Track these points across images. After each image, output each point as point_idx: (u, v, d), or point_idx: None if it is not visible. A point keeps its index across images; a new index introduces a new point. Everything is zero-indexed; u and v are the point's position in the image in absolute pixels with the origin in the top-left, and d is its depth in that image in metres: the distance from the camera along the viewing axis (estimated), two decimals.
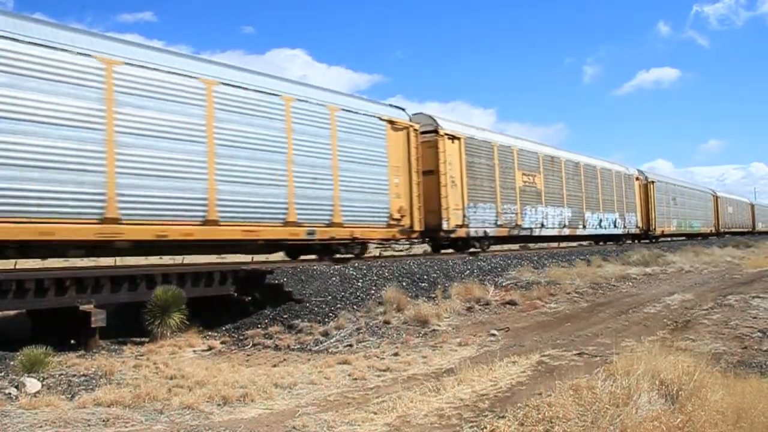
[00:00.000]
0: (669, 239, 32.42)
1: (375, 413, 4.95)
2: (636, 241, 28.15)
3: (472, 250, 16.66)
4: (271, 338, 8.70)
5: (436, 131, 15.75)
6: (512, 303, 11.35)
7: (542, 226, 20.08)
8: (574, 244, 24.93)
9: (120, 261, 12.31)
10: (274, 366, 7.27)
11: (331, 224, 12.50)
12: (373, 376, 6.49)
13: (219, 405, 5.42)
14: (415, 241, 15.53)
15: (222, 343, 8.85)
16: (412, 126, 14.90)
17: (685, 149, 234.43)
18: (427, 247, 17.77)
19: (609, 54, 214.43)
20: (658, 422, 4.09)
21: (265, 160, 11.27)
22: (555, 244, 23.54)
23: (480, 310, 10.78)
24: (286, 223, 11.60)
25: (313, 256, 13.16)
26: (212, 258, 15.88)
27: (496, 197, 17.81)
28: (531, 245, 22.41)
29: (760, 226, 54.20)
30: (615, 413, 4.32)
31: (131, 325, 9.08)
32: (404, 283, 11.67)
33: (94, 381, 6.38)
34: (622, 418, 4.21)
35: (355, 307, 9.98)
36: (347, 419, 4.81)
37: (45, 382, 6.19)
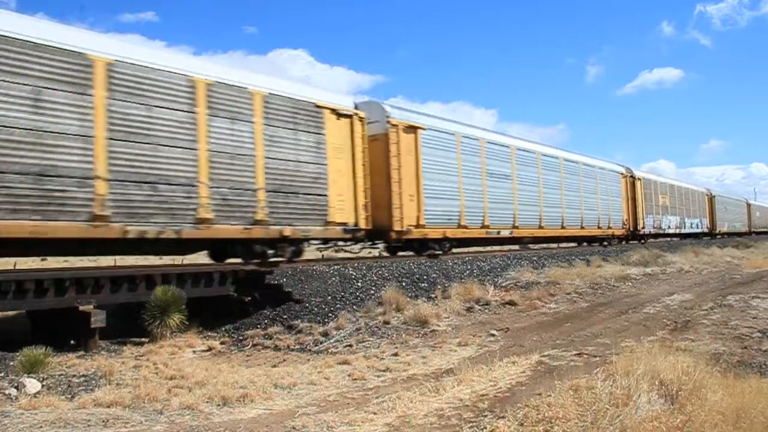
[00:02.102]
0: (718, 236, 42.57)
1: (375, 413, 4.95)
2: (704, 237, 38.92)
3: (642, 240, 29.20)
4: (270, 338, 8.70)
5: (633, 176, 28.63)
6: (512, 303, 11.34)
7: (668, 227, 32.85)
8: (678, 239, 35.42)
9: (120, 261, 12.31)
10: (274, 366, 7.27)
11: (608, 227, 25.44)
12: (373, 377, 6.49)
13: (219, 405, 5.42)
14: (628, 235, 28.10)
15: (222, 343, 8.85)
16: (628, 176, 28.17)
17: (687, 149, 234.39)
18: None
19: (612, 54, 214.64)
20: (658, 422, 4.09)
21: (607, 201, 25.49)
22: (676, 239, 34.81)
23: (480, 310, 10.78)
24: (598, 227, 24.61)
25: (585, 244, 25.05)
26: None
27: (653, 211, 30.51)
28: (664, 239, 33.94)
29: None
30: (615, 413, 4.32)
31: (131, 325, 9.08)
32: (404, 284, 11.67)
33: (93, 381, 6.38)
34: (621, 418, 4.21)
35: (354, 307, 9.98)
36: (347, 419, 4.81)
37: (45, 383, 6.19)
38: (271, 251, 11.39)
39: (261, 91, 11.14)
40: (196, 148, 9.97)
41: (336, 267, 11.84)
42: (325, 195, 12.16)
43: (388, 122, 14.10)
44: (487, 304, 11.09)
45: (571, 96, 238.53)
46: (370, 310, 9.81)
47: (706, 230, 39.18)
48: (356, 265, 12.36)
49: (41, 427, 4.76)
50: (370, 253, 17.67)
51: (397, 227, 13.98)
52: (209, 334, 9.40)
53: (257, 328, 9.25)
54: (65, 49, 8.55)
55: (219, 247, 11.32)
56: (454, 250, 16.89)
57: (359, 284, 11.18)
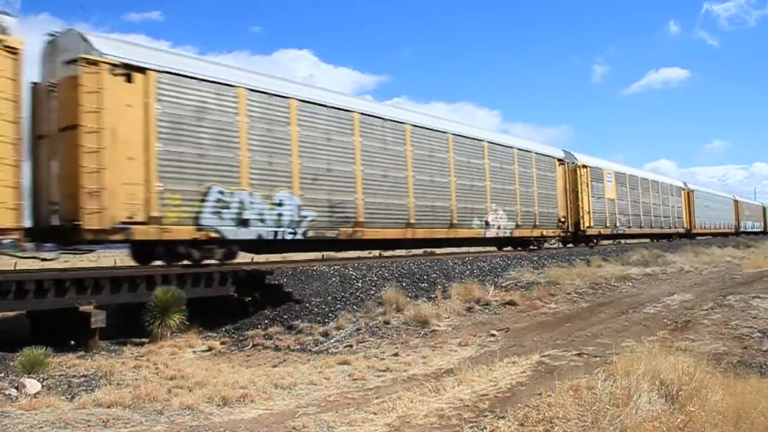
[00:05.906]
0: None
1: (375, 414, 4.95)
2: (760, 234, 56.14)
3: (740, 236, 44.77)
4: (270, 339, 8.70)
5: (735, 199, 50.58)
6: (512, 303, 11.34)
7: (748, 228, 52.07)
8: (743, 235, 48.19)
9: (120, 261, 12.32)
10: (274, 366, 7.27)
11: (726, 227, 45.78)
12: (373, 377, 6.49)
13: (219, 405, 5.42)
14: (733, 233, 45.49)
15: (222, 343, 8.84)
16: (732, 198, 50.02)
17: (690, 149, 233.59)
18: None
19: (618, 54, 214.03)
20: (658, 422, 4.09)
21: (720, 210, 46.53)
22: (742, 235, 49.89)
23: (480, 310, 10.77)
24: (725, 227, 45.48)
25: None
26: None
27: (743, 218, 50.57)
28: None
29: None
30: (615, 413, 4.32)
31: (131, 325, 9.08)
32: (404, 284, 11.67)
33: (94, 382, 6.38)
34: (622, 418, 4.21)
35: (354, 307, 9.97)
36: (347, 419, 4.81)
37: (45, 383, 6.19)
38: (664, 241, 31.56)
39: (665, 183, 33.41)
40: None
41: (336, 267, 11.83)
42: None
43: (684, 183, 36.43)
44: (487, 304, 11.08)
45: (577, 96, 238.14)
46: (370, 310, 9.81)
47: (763, 229, 60.64)
48: (356, 265, 12.34)
49: (41, 427, 4.76)
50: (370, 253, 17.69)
51: None
52: (209, 334, 9.40)
53: (257, 328, 9.25)
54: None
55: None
56: None
57: (359, 284, 11.18)
